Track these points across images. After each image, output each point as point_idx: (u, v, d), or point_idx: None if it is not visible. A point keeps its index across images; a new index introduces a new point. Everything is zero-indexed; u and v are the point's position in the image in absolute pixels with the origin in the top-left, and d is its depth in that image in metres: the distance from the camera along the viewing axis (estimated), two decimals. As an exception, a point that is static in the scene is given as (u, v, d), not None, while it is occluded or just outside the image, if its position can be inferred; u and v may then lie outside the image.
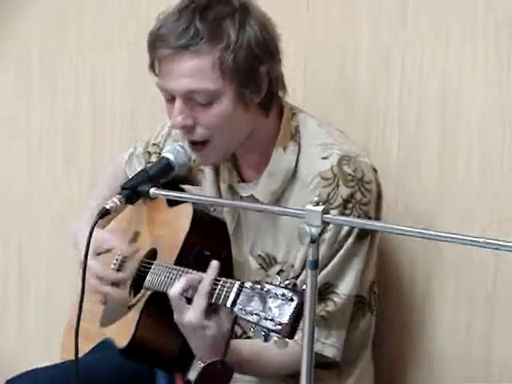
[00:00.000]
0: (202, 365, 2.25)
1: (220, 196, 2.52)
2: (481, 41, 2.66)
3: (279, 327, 1.93)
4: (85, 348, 2.46)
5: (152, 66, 2.34)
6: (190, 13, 2.27)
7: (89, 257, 2.27)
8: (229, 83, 2.25)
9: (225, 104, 2.28)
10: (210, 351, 2.22)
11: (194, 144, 2.33)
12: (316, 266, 1.84)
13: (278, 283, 1.97)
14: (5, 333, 3.87)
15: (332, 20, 2.91)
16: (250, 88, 2.29)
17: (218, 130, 2.30)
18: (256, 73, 2.29)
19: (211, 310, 2.20)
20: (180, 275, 2.30)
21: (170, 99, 2.30)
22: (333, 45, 2.90)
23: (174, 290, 2.19)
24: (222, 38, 2.24)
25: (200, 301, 2.17)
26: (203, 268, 2.22)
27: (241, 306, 2.05)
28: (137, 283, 2.50)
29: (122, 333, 2.45)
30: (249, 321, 2.02)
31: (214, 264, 2.20)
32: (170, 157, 2.29)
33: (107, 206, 2.15)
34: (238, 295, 2.07)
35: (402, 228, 1.93)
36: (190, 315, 2.18)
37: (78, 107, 3.56)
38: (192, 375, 2.43)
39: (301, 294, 1.90)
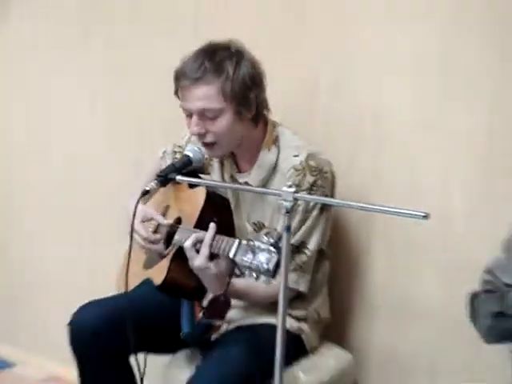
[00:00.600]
0: (211, 296, 2.64)
1: (224, 182, 2.89)
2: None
3: (267, 270, 2.26)
4: (133, 283, 2.72)
5: (176, 93, 2.75)
6: (202, 56, 2.68)
7: (136, 223, 2.68)
8: (229, 104, 2.66)
9: (226, 118, 2.68)
10: (216, 286, 2.58)
11: (206, 145, 2.72)
12: (289, 229, 2.19)
13: (265, 240, 2.29)
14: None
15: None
16: (244, 107, 2.68)
17: (222, 135, 2.70)
18: (248, 97, 2.68)
19: (213, 257, 2.52)
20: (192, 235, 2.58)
21: (189, 115, 2.70)
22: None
23: (187, 243, 2.55)
24: (223, 72, 2.65)
25: (204, 250, 2.52)
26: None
27: (240, 256, 2.35)
28: (168, 240, 2.77)
29: (157, 275, 2.72)
30: (245, 266, 2.33)
31: (212, 225, 2.54)
32: (190, 155, 2.74)
33: (147, 188, 2.58)
34: (237, 248, 2.38)
35: (348, 203, 2.50)
36: (197, 260, 2.53)
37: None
38: (205, 303, 2.71)
39: (281, 248, 2.23)
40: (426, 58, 2.86)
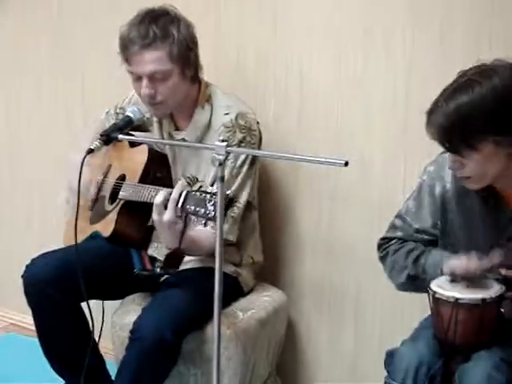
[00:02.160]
0: (168, 250, 2.53)
1: (163, 139, 2.82)
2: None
3: (213, 217, 2.22)
4: (81, 237, 2.66)
5: (125, 59, 2.65)
6: (146, 22, 2.60)
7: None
8: (176, 65, 2.61)
9: (174, 78, 2.63)
10: (174, 240, 2.47)
11: (155, 105, 2.64)
12: (223, 179, 2.10)
13: (209, 190, 2.27)
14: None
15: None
16: (187, 67, 2.64)
17: (170, 95, 2.64)
18: (189, 57, 2.65)
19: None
20: (148, 189, 2.53)
21: (137, 79, 2.63)
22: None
23: (158, 199, 2.43)
24: (170, 36, 2.58)
25: (171, 205, 2.39)
26: (156, 184, 2.51)
27: (189, 205, 2.30)
28: (113, 195, 2.73)
29: (105, 227, 2.68)
30: (194, 214, 2.29)
31: (180, 181, 2.50)
32: (131, 115, 2.63)
33: (92, 147, 2.46)
34: (185, 198, 2.32)
35: (275, 154, 2.52)
36: (167, 215, 2.41)
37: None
38: (150, 251, 2.72)
39: (227, 196, 2.18)
40: (347, 22, 2.81)
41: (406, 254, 2.35)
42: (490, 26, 2.51)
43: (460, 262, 2.17)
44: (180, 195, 2.38)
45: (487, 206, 2.23)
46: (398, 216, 2.42)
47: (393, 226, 2.43)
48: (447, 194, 2.30)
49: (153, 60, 2.59)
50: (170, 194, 2.42)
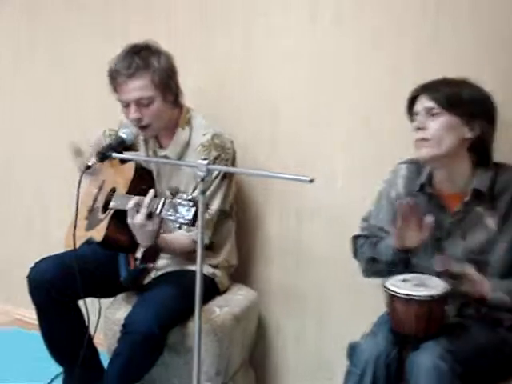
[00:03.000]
0: (144, 248, 2.63)
1: (148, 156, 2.87)
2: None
3: (187, 221, 2.26)
4: (77, 243, 2.64)
5: (115, 90, 2.71)
6: (130, 55, 2.68)
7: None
8: (158, 91, 2.68)
9: (157, 103, 2.70)
10: (148, 239, 2.56)
11: (142, 128, 2.72)
12: (204, 192, 2.20)
13: (185, 198, 2.28)
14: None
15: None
16: (167, 93, 2.72)
17: (155, 118, 2.71)
18: (170, 83, 2.72)
19: (149, 215, 2.50)
20: (131, 199, 2.54)
21: (126, 106, 2.70)
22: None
23: (130, 204, 2.52)
24: (151, 67, 2.67)
25: (143, 210, 2.49)
26: (142, 195, 2.54)
27: (165, 212, 2.34)
28: (105, 205, 2.77)
29: (98, 234, 2.70)
30: (170, 219, 2.33)
31: (151, 191, 2.52)
32: (124, 136, 2.74)
33: (89, 163, 2.61)
34: (163, 206, 2.37)
35: (246, 171, 2.65)
36: (137, 218, 2.51)
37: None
38: (138, 254, 2.68)
39: (197, 203, 2.22)
40: (316, 51, 2.88)
41: (369, 244, 2.49)
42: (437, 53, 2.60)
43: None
44: (154, 202, 2.45)
45: (430, 207, 2.37)
46: (364, 219, 2.57)
47: (360, 228, 2.57)
48: (400, 197, 2.43)
49: (137, 88, 2.67)
50: (142, 201, 2.51)
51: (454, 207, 2.33)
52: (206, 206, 2.68)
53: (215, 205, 2.76)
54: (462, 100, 2.26)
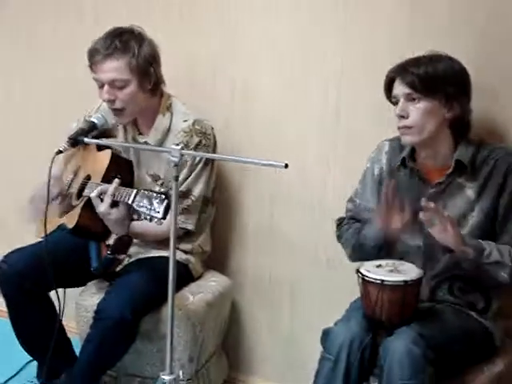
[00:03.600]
0: (116, 236, 2.63)
1: (128, 143, 2.82)
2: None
3: (158, 214, 2.26)
4: (50, 228, 2.61)
5: (91, 67, 2.69)
6: (111, 37, 2.66)
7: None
8: (134, 76, 2.65)
9: (131, 88, 2.67)
10: (118, 228, 2.58)
11: (115, 111, 2.69)
12: (177, 178, 2.17)
13: (158, 190, 2.32)
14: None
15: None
16: (145, 79, 2.69)
17: (128, 102, 2.68)
18: (149, 71, 2.69)
19: (114, 204, 2.52)
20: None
21: (101, 86, 2.67)
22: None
23: (93, 194, 2.56)
24: (130, 50, 2.64)
25: (106, 199, 2.52)
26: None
27: (137, 203, 2.33)
28: (80, 192, 2.74)
29: (70, 220, 2.69)
30: (141, 211, 2.32)
31: (116, 180, 2.53)
32: (95, 121, 2.71)
33: (60, 148, 2.55)
34: (135, 196, 2.35)
35: (223, 156, 2.60)
36: (101, 207, 2.54)
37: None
38: (110, 241, 2.68)
39: (170, 196, 2.21)
40: (287, 41, 2.85)
41: (353, 230, 2.48)
42: (411, 41, 2.58)
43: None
44: (117, 190, 2.47)
45: (412, 180, 2.38)
46: (350, 200, 2.56)
47: (346, 209, 2.56)
48: (383, 173, 2.46)
49: (112, 69, 2.65)
50: (106, 189, 2.52)
51: (436, 180, 2.34)
52: (189, 192, 2.72)
53: (198, 190, 2.76)
54: (437, 80, 2.26)
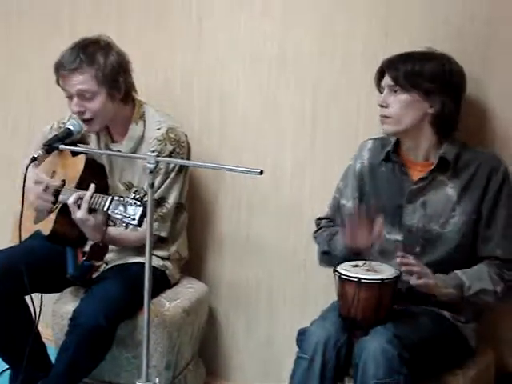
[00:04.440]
0: (91, 243, 2.61)
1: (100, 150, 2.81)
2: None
3: (134, 221, 2.24)
4: (24, 236, 2.59)
5: (57, 81, 2.68)
6: (76, 49, 2.66)
7: (29, 183, 2.60)
8: (102, 87, 2.64)
9: (100, 98, 2.66)
10: (95, 234, 2.56)
11: (85, 121, 2.68)
12: (152, 185, 2.16)
13: (132, 197, 2.28)
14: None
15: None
16: (114, 89, 2.68)
17: (97, 112, 2.67)
18: (117, 81, 2.68)
19: (91, 211, 2.50)
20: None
21: (70, 97, 2.67)
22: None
23: (70, 200, 2.53)
24: (95, 63, 2.64)
25: (84, 205, 2.50)
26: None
27: (112, 210, 2.31)
28: (55, 198, 2.67)
29: (45, 227, 2.67)
30: (117, 218, 2.31)
31: (92, 186, 2.52)
32: (71, 127, 2.70)
33: (35, 155, 2.54)
34: (110, 203, 2.33)
35: (199, 163, 2.59)
36: (78, 213, 2.51)
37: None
38: (86, 249, 2.65)
39: (145, 202, 2.20)
40: (263, 49, 2.85)
41: (326, 236, 2.48)
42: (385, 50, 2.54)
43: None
44: (95, 198, 2.46)
45: (394, 175, 2.39)
46: (332, 197, 2.55)
47: (327, 206, 2.56)
48: (364, 168, 2.45)
49: (79, 82, 2.65)
50: (83, 195, 2.50)
51: (418, 175, 2.34)
52: (163, 199, 2.71)
53: (172, 198, 2.74)
54: (422, 77, 2.28)
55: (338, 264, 2.29)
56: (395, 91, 2.30)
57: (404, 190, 2.34)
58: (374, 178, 2.41)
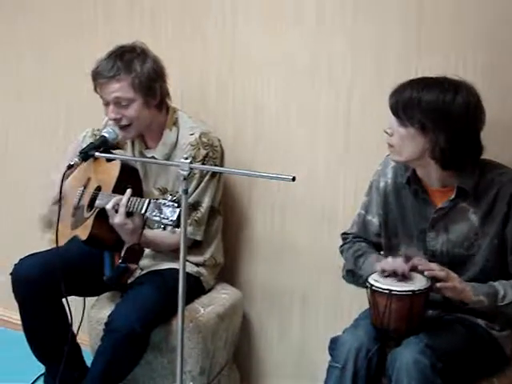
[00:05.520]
0: (128, 245, 2.61)
1: (134, 157, 2.83)
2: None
3: (172, 222, 2.26)
4: (63, 241, 2.67)
5: (95, 89, 2.71)
6: (113, 57, 2.68)
7: (66, 190, 2.65)
8: (138, 94, 2.66)
9: (136, 105, 2.68)
10: (132, 238, 2.57)
11: (122, 128, 2.70)
12: (187, 191, 2.19)
13: (169, 199, 2.28)
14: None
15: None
16: (149, 96, 2.69)
17: (134, 119, 2.69)
18: (153, 88, 2.70)
19: (129, 214, 2.51)
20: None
21: (106, 104, 2.70)
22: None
23: (108, 205, 2.54)
24: (132, 70, 2.66)
25: (121, 209, 2.51)
26: None
27: (150, 212, 2.35)
28: (91, 204, 2.71)
29: (82, 232, 2.67)
30: (154, 220, 2.33)
31: (128, 190, 2.53)
32: (106, 135, 2.71)
33: (71, 163, 2.57)
34: (148, 206, 2.39)
35: (232, 170, 2.59)
36: (116, 218, 2.52)
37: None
38: (123, 252, 2.62)
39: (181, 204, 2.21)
40: (296, 54, 2.83)
41: (352, 253, 2.46)
42: (418, 54, 2.57)
43: (388, 262, 2.25)
44: (132, 201, 2.47)
45: (417, 200, 2.34)
46: (357, 213, 2.52)
47: (352, 222, 2.54)
48: (388, 188, 2.41)
49: (116, 89, 2.67)
50: (120, 200, 2.51)
51: (439, 201, 2.30)
52: (198, 203, 2.73)
53: (206, 202, 2.75)
54: (418, 112, 2.18)
55: (358, 284, 2.30)
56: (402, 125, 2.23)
57: (426, 215, 2.30)
58: (399, 200, 2.38)
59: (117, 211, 2.52)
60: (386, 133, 2.27)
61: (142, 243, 2.63)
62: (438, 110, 2.17)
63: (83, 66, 2.78)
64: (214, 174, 2.76)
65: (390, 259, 2.25)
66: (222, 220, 2.92)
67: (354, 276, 2.42)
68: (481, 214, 2.25)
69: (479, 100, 2.21)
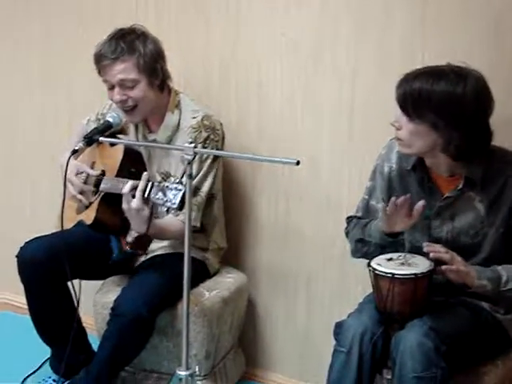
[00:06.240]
0: (137, 234, 2.55)
1: (138, 141, 2.84)
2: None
3: (175, 205, 2.24)
4: (69, 225, 2.69)
5: (99, 73, 2.70)
6: (115, 39, 2.67)
7: (70, 175, 2.66)
8: (143, 74, 2.66)
9: (142, 86, 2.67)
10: (143, 225, 2.48)
11: (127, 111, 2.70)
12: (191, 176, 2.16)
13: (172, 181, 2.28)
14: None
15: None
16: (153, 76, 2.69)
17: (139, 100, 2.68)
18: (156, 67, 2.69)
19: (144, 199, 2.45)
20: (123, 182, 2.50)
21: (111, 87, 2.68)
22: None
23: (126, 188, 2.45)
24: (136, 51, 2.65)
25: (138, 194, 2.42)
26: (131, 178, 2.49)
27: (153, 195, 2.33)
28: (96, 188, 2.71)
29: (88, 216, 2.67)
30: (158, 203, 2.32)
31: (145, 173, 2.44)
32: (110, 120, 2.72)
33: (76, 148, 2.56)
34: (151, 189, 2.36)
35: (236, 154, 2.56)
36: (134, 203, 2.43)
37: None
38: (128, 238, 2.60)
39: (184, 186, 2.19)
40: (300, 38, 2.82)
41: (359, 225, 2.45)
42: (423, 40, 2.54)
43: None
44: (146, 186, 2.41)
45: (423, 187, 2.32)
46: (361, 198, 2.50)
47: (356, 207, 2.52)
48: (393, 173, 2.39)
49: (121, 70, 2.66)
50: (137, 185, 2.45)
51: (445, 190, 2.28)
52: (197, 189, 2.71)
53: (206, 187, 2.74)
54: (428, 110, 2.13)
55: (372, 257, 2.26)
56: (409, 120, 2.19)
57: (432, 203, 2.28)
58: (404, 186, 2.35)
59: (133, 196, 2.46)
60: (393, 126, 2.23)
61: (151, 231, 2.55)
62: (449, 106, 2.13)
63: (86, 50, 2.76)
64: (215, 159, 2.74)
65: (393, 198, 2.22)
66: (222, 205, 2.90)
67: (363, 245, 2.40)
68: (487, 202, 2.24)
69: (487, 87, 2.17)
